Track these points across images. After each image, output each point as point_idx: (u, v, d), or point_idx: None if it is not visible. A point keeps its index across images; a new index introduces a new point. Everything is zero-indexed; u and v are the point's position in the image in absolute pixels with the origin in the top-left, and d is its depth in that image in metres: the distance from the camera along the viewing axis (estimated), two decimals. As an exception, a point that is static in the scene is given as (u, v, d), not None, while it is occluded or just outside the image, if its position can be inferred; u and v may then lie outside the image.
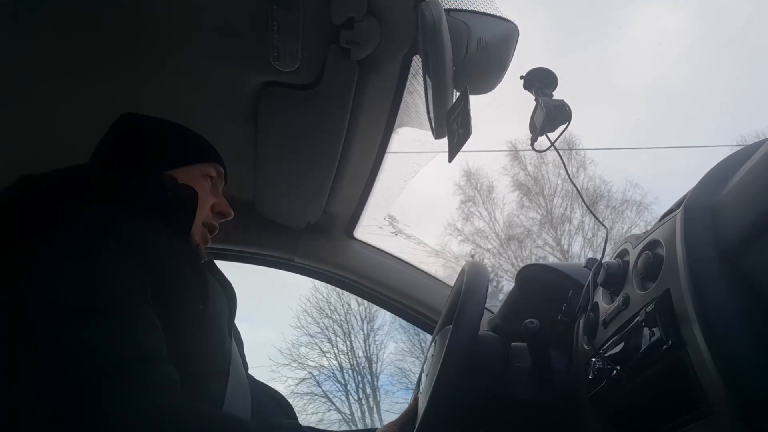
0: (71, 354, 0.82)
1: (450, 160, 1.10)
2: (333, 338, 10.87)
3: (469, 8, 1.18)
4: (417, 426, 1.11)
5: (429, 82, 1.14)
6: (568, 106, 1.05)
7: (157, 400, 0.82)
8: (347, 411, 10.40)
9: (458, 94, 1.11)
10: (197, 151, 1.21)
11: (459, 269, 1.30)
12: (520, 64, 1.16)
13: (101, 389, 0.79)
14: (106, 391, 0.79)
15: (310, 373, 10.46)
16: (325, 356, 10.73)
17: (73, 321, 0.84)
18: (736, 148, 0.87)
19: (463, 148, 1.07)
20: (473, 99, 1.09)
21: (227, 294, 1.15)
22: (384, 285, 1.91)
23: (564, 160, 1.09)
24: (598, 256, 1.07)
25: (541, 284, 1.30)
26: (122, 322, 0.86)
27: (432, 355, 1.26)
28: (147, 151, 1.15)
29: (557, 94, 1.08)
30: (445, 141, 1.13)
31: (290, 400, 1.35)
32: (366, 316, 10.82)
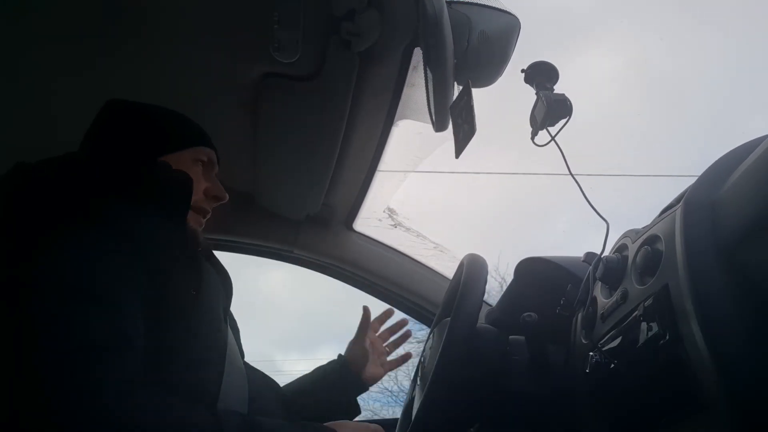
0: (41, 332, 0.82)
1: (457, 156, 1.09)
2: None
3: (470, 0, 1.17)
4: (414, 418, 1.11)
5: (430, 75, 1.13)
6: (569, 101, 1.04)
7: (110, 389, 0.81)
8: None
9: (460, 87, 1.11)
10: (187, 136, 1.20)
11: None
12: (520, 58, 1.16)
13: (60, 371, 0.79)
14: (66, 372, 0.79)
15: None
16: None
17: (53, 300, 0.85)
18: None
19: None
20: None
21: (224, 283, 1.15)
22: (383, 277, 1.91)
23: (564, 154, 1.08)
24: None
25: (539, 278, 1.30)
26: (100, 308, 0.87)
27: (430, 348, 1.27)
28: (137, 138, 1.14)
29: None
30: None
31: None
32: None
